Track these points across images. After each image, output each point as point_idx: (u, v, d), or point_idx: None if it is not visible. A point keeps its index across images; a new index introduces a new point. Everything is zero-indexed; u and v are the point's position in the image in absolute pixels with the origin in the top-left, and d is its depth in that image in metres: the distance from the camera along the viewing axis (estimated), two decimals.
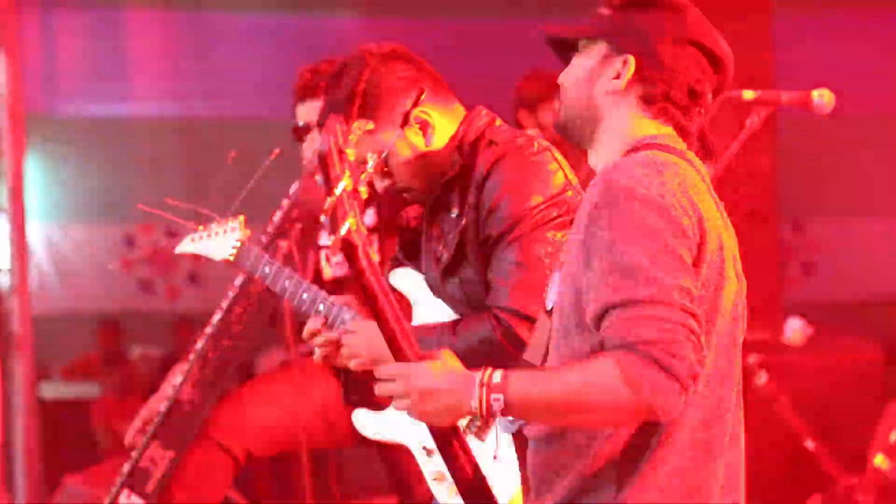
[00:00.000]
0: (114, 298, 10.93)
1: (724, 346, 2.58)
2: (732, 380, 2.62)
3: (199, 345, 4.66)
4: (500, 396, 2.47)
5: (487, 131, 3.48)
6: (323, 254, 4.52)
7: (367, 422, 3.80)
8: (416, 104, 3.52)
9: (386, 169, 3.55)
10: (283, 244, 4.22)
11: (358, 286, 2.69)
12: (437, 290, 3.59)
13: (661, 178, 2.51)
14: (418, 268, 3.69)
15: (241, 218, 4.11)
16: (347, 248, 2.60)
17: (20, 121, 7.65)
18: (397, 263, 3.77)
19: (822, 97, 4.06)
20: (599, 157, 2.73)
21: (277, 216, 4.30)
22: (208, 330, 4.62)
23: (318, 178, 4.18)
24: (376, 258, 4.35)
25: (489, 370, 2.50)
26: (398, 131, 3.50)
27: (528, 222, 3.32)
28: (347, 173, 2.58)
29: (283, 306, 4.29)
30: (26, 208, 7.93)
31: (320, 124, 3.70)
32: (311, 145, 4.35)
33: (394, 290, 3.68)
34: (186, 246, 4.15)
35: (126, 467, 4.71)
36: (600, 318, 2.45)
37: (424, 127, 3.51)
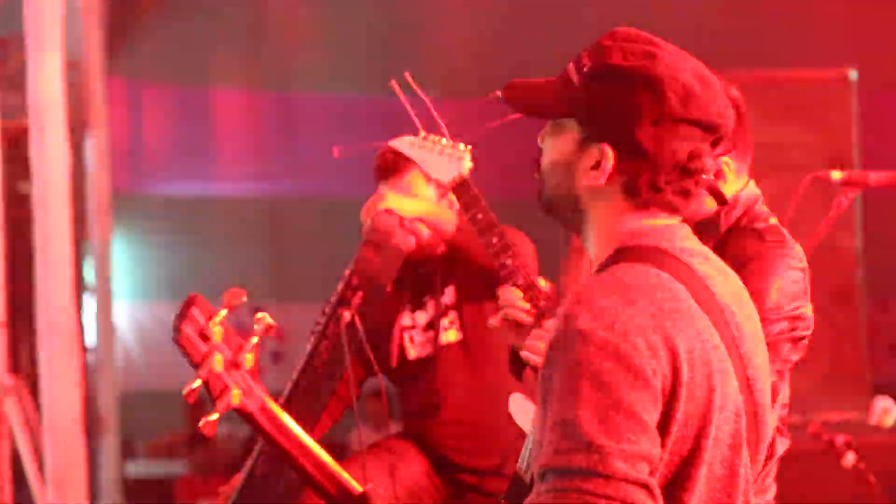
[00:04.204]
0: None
1: (719, 478, 2.33)
2: None
3: None
4: None
5: None
6: (406, 335, 4.52)
7: (522, 408, 3.59)
8: None
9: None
10: (347, 313, 4.21)
11: (268, 442, 2.71)
12: None
13: (628, 312, 2.24)
14: None
15: (469, 148, 3.94)
16: (244, 416, 2.53)
17: (107, 200, 7.75)
18: None
19: None
20: (590, 250, 2.49)
21: (340, 286, 4.30)
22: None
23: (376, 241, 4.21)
24: (455, 336, 4.38)
25: None
26: None
27: None
28: (218, 350, 2.49)
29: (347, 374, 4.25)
30: (113, 287, 8.02)
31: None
32: (368, 215, 4.37)
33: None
34: (404, 146, 4.00)
35: None
36: (541, 476, 2.22)
37: None
